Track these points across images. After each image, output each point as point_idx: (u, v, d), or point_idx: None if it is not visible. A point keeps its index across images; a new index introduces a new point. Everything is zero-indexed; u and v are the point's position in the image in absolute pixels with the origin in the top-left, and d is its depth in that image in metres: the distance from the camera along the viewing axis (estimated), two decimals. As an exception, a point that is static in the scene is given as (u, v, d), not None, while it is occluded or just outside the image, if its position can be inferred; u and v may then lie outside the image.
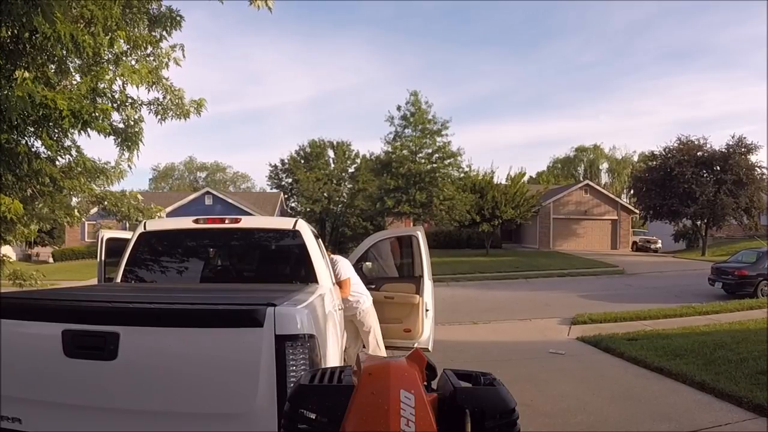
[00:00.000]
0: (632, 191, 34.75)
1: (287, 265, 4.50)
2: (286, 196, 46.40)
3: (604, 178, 62.15)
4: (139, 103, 5.93)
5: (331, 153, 47.15)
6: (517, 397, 1.45)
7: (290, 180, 47.07)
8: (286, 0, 45.12)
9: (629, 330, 9.09)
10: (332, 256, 5.68)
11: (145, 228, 4.43)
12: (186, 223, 4.51)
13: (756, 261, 14.69)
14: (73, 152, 5.92)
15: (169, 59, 5.93)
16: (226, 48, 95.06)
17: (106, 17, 4.68)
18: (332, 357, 3.16)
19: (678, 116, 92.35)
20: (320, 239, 4.74)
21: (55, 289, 4.32)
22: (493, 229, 32.07)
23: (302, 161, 46.36)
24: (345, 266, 5.58)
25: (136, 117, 5.87)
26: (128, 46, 5.52)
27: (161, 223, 5.27)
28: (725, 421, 4.73)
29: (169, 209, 21.62)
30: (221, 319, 2.50)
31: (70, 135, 5.44)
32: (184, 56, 5.97)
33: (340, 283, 5.44)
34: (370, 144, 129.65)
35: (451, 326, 10.19)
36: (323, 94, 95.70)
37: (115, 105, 5.59)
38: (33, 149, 5.32)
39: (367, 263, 6.52)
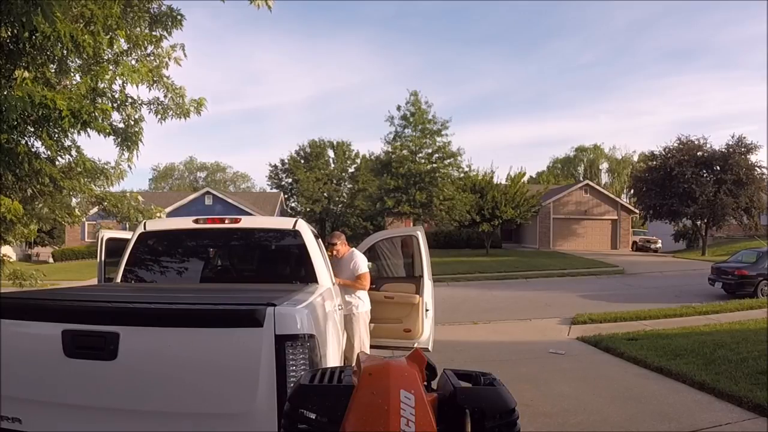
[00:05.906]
0: (632, 191, 34.73)
1: (287, 265, 4.50)
2: (286, 196, 46.41)
3: (604, 178, 62.17)
4: (139, 102, 5.91)
5: (331, 153, 47.24)
6: (517, 397, 1.45)
7: (290, 180, 47.13)
8: (286, 0, 45.00)
9: (629, 330, 9.09)
10: (350, 249, 5.78)
11: (145, 228, 4.43)
12: (186, 223, 4.51)
13: (756, 261, 14.67)
14: (73, 152, 5.90)
15: (169, 59, 5.90)
16: (226, 48, 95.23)
17: (106, 16, 4.67)
18: (332, 357, 3.16)
19: (678, 116, 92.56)
20: (320, 239, 4.73)
21: (55, 289, 4.32)
22: (493, 229, 32.07)
23: (302, 161, 46.40)
24: (363, 261, 5.70)
25: (136, 117, 5.85)
26: (128, 45, 5.51)
27: (161, 223, 5.25)
28: (725, 421, 4.74)
29: (169, 209, 21.56)
30: (221, 319, 2.49)
31: (70, 135, 5.43)
32: (185, 56, 5.94)
33: (359, 276, 5.53)
34: (370, 144, 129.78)
35: (451, 326, 10.18)
36: (323, 94, 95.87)
37: (114, 105, 5.57)
38: (33, 149, 5.31)
39: (368, 263, 6.52)
